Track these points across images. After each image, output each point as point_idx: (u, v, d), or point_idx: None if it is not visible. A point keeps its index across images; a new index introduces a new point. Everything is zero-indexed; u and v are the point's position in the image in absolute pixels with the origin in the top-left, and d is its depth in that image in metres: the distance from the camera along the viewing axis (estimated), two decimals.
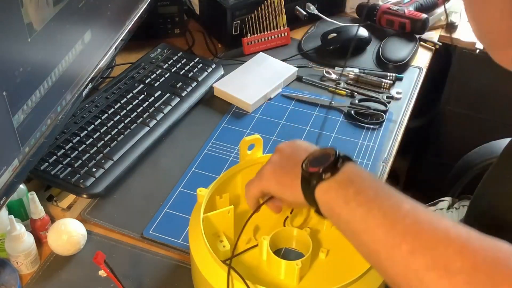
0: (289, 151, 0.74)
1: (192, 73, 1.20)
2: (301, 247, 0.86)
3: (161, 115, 1.09)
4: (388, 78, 1.24)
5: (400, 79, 1.26)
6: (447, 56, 1.49)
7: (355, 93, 1.20)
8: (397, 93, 1.21)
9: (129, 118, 1.08)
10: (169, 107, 1.11)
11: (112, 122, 1.06)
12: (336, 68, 1.27)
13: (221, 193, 0.85)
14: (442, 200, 1.17)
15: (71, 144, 1.01)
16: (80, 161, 0.98)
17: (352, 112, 1.14)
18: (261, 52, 1.29)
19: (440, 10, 1.43)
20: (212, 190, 0.83)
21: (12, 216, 0.83)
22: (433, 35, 1.40)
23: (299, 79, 1.25)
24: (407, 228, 0.56)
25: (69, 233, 0.86)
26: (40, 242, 0.89)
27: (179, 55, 1.25)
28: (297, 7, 1.37)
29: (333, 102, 1.18)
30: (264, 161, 0.88)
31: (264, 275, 0.81)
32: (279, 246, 0.86)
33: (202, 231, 0.76)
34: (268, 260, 0.81)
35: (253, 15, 1.29)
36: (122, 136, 1.04)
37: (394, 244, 0.56)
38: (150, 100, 1.12)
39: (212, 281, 0.73)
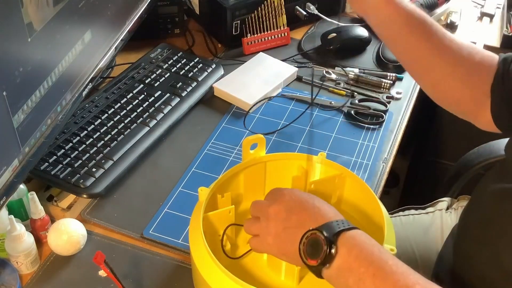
0: (280, 217, 0.73)
1: (192, 73, 1.20)
2: None
3: (161, 115, 1.09)
4: (388, 78, 1.24)
5: (400, 79, 1.26)
6: None
7: (355, 93, 1.20)
8: (397, 93, 1.21)
9: (129, 118, 1.08)
10: (169, 107, 1.11)
11: (112, 122, 1.06)
12: (336, 68, 1.27)
13: (223, 192, 0.85)
14: (441, 201, 1.17)
15: (71, 144, 1.01)
16: (80, 161, 0.98)
17: (352, 112, 1.14)
18: (261, 52, 1.29)
19: (440, 10, 1.43)
20: (213, 189, 0.83)
21: (12, 216, 0.83)
22: None
23: (299, 79, 1.25)
24: None
25: (69, 233, 0.86)
26: (40, 242, 0.89)
27: (179, 55, 1.25)
28: (297, 7, 1.37)
29: (333, 102, 1.17)
30: (266, 160, 0.88)
31: (265, 275, 0.81)
32: None
33: (201, 231, 0.76)
34: (269, 260, 0.81)
35: (253, 15, 1.29)
36: (122, 136, 1.04)
37: None
38: (150, 100, 1.12)
39: (210, 280, 0.73)
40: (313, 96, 1.19)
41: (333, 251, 0.66)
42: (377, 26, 0.89)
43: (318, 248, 0.67)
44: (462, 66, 0.86)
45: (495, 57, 0.87)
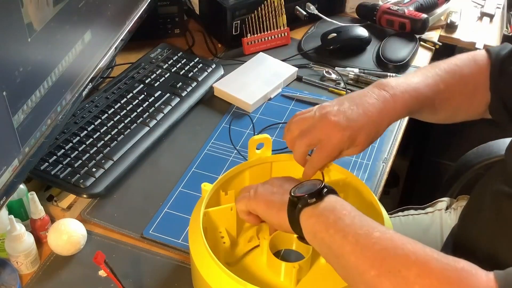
0: (281, 182, 0.79)
1: (192, 73, 1.20)
2: (301, 249, 0.85)
3: (161, 115, 1.09)
4: (388, 78, 1.24)
5: None
6: (447, 56, 1.48)
7: None
8: None
9: (129, 118, 1.08)
10: (169, 107, 1.11)
11: (112, 122, 1.06)
12: (336, 68, 1.27)
13: (227, 189, 0.85)
14: (441, 201, 1.17)
15: (71, 144, 1.01)
16: (80, 161, 0.98)
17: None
18: (261, 52, 1.29)
19: (440, 10, 1.43)
20: (217, 185, 0.83)
21: (12, 216, 0.83)
22: (433, 35, 1.40)
23: (299, 79, 1.25)
24: (375, 254, 0.63)
25: (69, 233, 0.86)
26: (40, 242, 0.89)
27: (179, 55, 1.25)
28: (297, 7, 1.37)
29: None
30: (272, 160, 0.88)
31: (264, 275, 0.81)
32: (279, 248, 0.86)
33: (201, 227, 0.76)
34: (268, 261, 0.81)
35: (253, 15, 1.29)
36: (122, 136, 1.04)
37: (364, 269, 0.63)
38: (150, 100, 1.12)
39: (208, 277, 0.73)
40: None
41: (323, 193, 0.71)
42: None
43: (310, 187, 0.72)
44: (468, 97, 0.89)
45: (484, 59, 0.88)
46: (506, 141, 0.87)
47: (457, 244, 0.94)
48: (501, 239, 0.80)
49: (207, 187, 0.82)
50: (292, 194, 0.72)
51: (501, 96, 0.86)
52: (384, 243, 0.63)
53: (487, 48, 0.91)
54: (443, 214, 1.14)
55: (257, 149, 0.88)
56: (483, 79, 0.87)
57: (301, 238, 0.73)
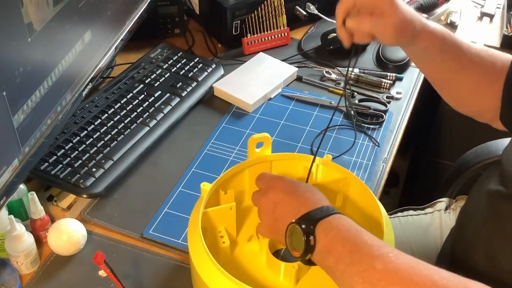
0: (273, 209, 0.76)
1: (192, 73, 1.20)
2: None
3: (161, 115, 1.09)
4: (388, 78, 1.24)
5: (400, 79, 1.26)
6: None
7: (355, 93, 1.20)
8: (397, 93, 1.21)
9: (129, 118, 1.08)
10: (169, 107, 1.11)
11: (112, 122, 1.06)
12: (336, 68, 1.27)
13: (226, 189, 0.85)
14: (440, 201, 1.17)
15: (71, 144, 1.01)
16: (80, 161, 0.98)
17: (352, 112, 1.14)
18: (261, 52, 1.29)
19: (440, 10, 1.43)
20: (216, 185, 0.83)
21: (12, 216, 0.83)
22: None
23: (299, 79, 1.25)
24: None
25: (69, 233, 0.86)
26: (40, 242, 0.89)
27: (179, 55, 1.25)
28: (297, 7, 1.37)
29: (332, 102, 1.18)
30: (272, 159, 0.88)
31: (264, 275, 0.81)
32: (279, 247, 0.86)
33: (199, 227, 0.76)
34: (267, 261, 0.81)
35: (253, 15, 1.29)
36: (122, 136, 1.04)
37: None
38: (150, 100, 1.12)
39: (206, 278, 0.72)
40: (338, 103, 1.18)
41: (311, 241, 0.69)
42: (412, 55, 0.93)
43: (299, 240, 0.70)
44: (486, 78, 0.88)
45: (507, 62, 0.88)
46: (504, 141, 0.87)
47: (455, 245, 0.94)
48: (497, 240, 0.80)
49: (206, 187, 0.82)
50: (291, 252, 0.72)
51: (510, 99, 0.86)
52: (388, 276, 0.62)
53: None
54: (442, 215, 1.14)
55: (256, 148, 0.88)
56: (503, 74, 0.87)
57: None
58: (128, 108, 1.10)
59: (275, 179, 0.78)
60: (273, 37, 1.33)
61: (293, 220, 0.71)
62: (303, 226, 0.69)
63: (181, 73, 1.20)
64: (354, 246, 0.66)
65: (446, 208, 1.16)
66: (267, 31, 1.32)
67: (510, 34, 1.37)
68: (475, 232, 0.86)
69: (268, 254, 0.80)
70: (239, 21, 1.29)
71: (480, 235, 0.85)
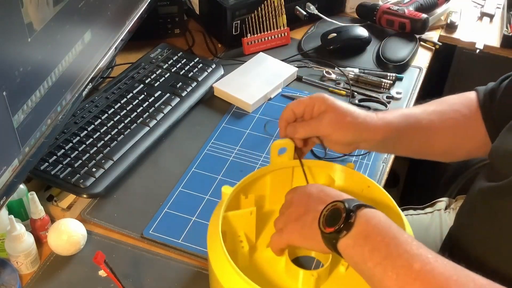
0: (302, 202, 0.76)
1: (192, 73, 1.20)
2: (320, 256, 0.83)
3: (161, 115, 1.09)
4: (388, 78, 1.24)
5: (400, 79, 1.26)
6: (447, 56, 1.49)
7: (355, 93, 1.20)
8: (397, 93, 1.21)
9: (129, 118, 1.08)
10: (169, 107, 1.11)
11: (112, 122, 1.06)
12: (336, 68, 1.27)
13: (247, 193, 0.83)
14: (440, 201, 1.17)
15: (71, 144, 1.01)
16: (80, 161, 0.98)
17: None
18: (261, 52, 1.29)
19: (440, 10, 1.44)
20: (237, 189, 0.81)
21: (12, 216, 0.83)
22: (433, 35, 1.40)
23: (299, 79, 1.25)
24: None
25: (69, 233, 0.86)
26: (40, 242, 0.89)
27: (179, 55, 1.25)
28: (297, 7, 1.37)
29: None
30: (295, 165, 0.86)
31: (282, 282, 0.79)
32: (298, 254, 0.84)
33: (219, 230, 0.74)
34: (286, 268, 0.79)
35: (253, 15, 1.29)
36: (122, 136, 1.04)
37: None
38: (150, 100, 1.12)
39: (225, 282, 0.71)
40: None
41: (351, 220, 0.67)
42: (374, 149, 0.97)
43: (338, 217, 0.68)
44: (460, 126, 0.89)
45: (472, 98, 0.90)
46: None
47: (454, 245, 0.94)
48: (493, 238, 0.80)
49: (227, 190, 0.79)
50: (322, 228, 0.70)
51: (497, 125, 0.86)
52: (425, 278, 0.61)
53: (475, 88, 0.92)
54: (442, 214, 1.14)
55: (279, 153, 0.86)
56: (474, 110, 0.89)
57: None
58: (128, 108, 1.10)
59: (299, 188, 0.79)
60: (273, 37, 1.33)
61: (334, 200, 0.71)
62: (346, 205, 0.69)
63: (181, 73, 1.20)
64: (393, 240, 0.65)
65: (446, 208, 1.16)
66: (267, 31, 1.32)
67: (510, 34, 1.37)
68: (472, 232, 0.86)
69: (287, 260, 0.78)
70: (239, 21, 1.29)
71: (476, 234, 0.84)
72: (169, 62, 1.22)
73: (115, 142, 1.02)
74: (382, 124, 0.83)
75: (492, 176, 0.82)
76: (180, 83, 1.16)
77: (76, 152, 1.00)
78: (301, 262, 0.83)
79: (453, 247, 0.94)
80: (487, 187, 0.83)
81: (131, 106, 1.10)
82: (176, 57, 1.24)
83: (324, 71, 1.26)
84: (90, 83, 1.00)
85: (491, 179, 0.82)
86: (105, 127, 1.05)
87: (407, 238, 0.66)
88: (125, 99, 1.11)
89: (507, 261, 0.77)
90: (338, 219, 0.68)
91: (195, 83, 1.17)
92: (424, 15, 1.34)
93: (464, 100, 0.90)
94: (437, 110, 0.88)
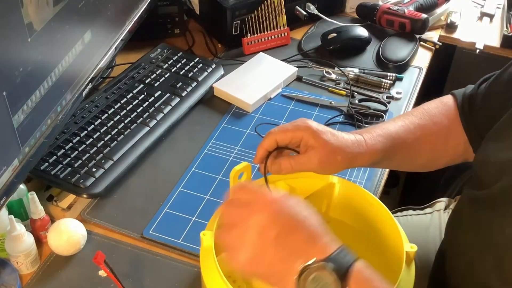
0: (276, 235, 0.62)
1: (192, 73, 1.20)
2: None
3: (161, 115, 1.09)
4: (388, 78, 1.24)
5: (400, 79, 1.26)
6: (447, 56, 1.49)
7: (355, 93, 1.20)
8: (397, 93, 1.21)
9: (129, 118, 1.08)
10: (169, 107, 1.11)
11: (112, 122, 1.06)
12: (336, 68, 1.27)
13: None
14: (439, 201, 1.17)
15: (71, 144, 1.01)
16: (80, 161, 0.98)
17: (352, 112, 1.14)
18: (261, 52, 1.29)
19: (440, 10, 1.43)
20: (215, 229, 0.73)
21: (12, 216, 0.83)
22: (433, 35, 1.40)
23: (299, 79, 1.25)
24: None
25: (69, 233, 0.86)
26: (40, 242, 0.89)
27: (179, 55, 1.25)
28: (297, 7, 1.37)
29: (333, 102, 1.17)
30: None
31: None
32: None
33: (224, 278, 0.67)
34: None
35: (253, 15, 1.29)
36: (122, 136, 1.04)
37: None
38: (150, 100, 1.12)
39: None
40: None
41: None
42: (363, 166, 0.93)
43: (322, 282, 0.58)
44: (441, 136, 0.89)
45: (450, 106, 0.90)
46: None
47: (447, 249, 0.94)
48: (478, 247, 0.79)
49: (207, 236, 0.72)
50: None
51: (478, 132, 0.86)
52: None
53: (452, 92, 0.92)
54: (441, 215, 1.14)
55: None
56: (453, 119, 0.88)
57: None
58: (128, 108, 1.10)
59: (265, 194, 0.66)
60: (273, 37, 1.33)
61: (319, 258, 0.59)
62: (334, 273, 0.58)
63: (181, 73, 1.20)
64: None
65: (445, 208, 1.16)
66: (267, 31, 1.32)
67: (510, 34, 1.37)
68: (459, 240, 0.86)
69: None
70: (239, 21, 1.29)
71: (462, 243, 0.84)
72: (169, 62, 1.22)
73: (115, 142, 1.02)
74: (370, 152, 0.81)
75: (476, 183, 0.82)
76: (180, 83, 1.16)
77: (76, 152, 1.00)
78: None
79: (445, 251, 0.93)
80: (472, 195, 0.82)
81: (131, 106, 1.10)
82: (176, 57, 1.24)
83: (324, 71, 1.26)
84: (90, 83, 1.00)
85: (476, 186, 0.82)
86: (105, 127, 1.05)
87: None
88: (125, 99, 1.11)
89: (492, 272, 0.76)
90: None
91: (195, 83, 1.17)
92: (424, 15, 1.34)
93: (443, 109, 0.89)
94: (420, 125, 0.87)
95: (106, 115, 1.08)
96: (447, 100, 0.91)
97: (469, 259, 0.80)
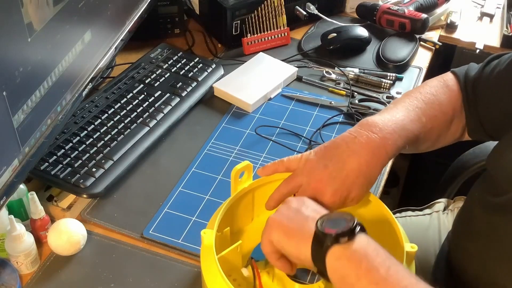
0: (298, 204, 0.71)
1: (192, 73, 1.20)
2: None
3: (161, 115, 1.09)
4: (388, 78, 1.24)
5: (400, 79, 1.26)
6: (447, 56, 1.49)
7: (355, 93, 1.20)
8: (397, 93, 1.21)
9: (129, 118, 1.08)
10: (169, 107, 1.11)
11: (112, 122, 1.06)
12: (336, 68, 1.27)
13: (221, 229, 0.79)
14: (438, 202, 1.17)
15: (71, 144, 1.01)
16: (80, 161, 0.98)
17: (352, 112, 1.14)
18: (261, 52, 1.29)
19: (440, 10, 1.43)
20: (215, 228, 0.76)
21: (12, 216, 0.83)
22: (433, 35, 1.40)
23: (299, 79, 1.25)
24: None
25: (69, 233, 0.86)
26: (40, 242, 0.89)
27: (179, 55, 1.25)
28: (297, 7, 1.37)
29: (332, 102, 1.17)
30: (252, 187, 0.83)
31: None
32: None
33: (224, 277, 0.69)
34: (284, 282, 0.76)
35: (253, 15, 1.29)
36: (122, 136, 1.04)
37: None
38: (150, 100, 1.12)
39: None
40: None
41: (356, 231, 0.62)
42: None
43: (340, 222, 0.63)
44: (442, 131, 0.89)
45: (454, 90, 0.89)
46: None
47: (451, 251, 0.93)
48: (489, 252, 0.79)
49: (207, 234, 0.74)
50: (319, 228, 0.64)
51: (479, 119, 0.86)
52: None
53: (452, 70, 0.90)
54: (440, 216, 1.14)
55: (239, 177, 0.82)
56: (458, 105, 0.88)
57: (321, 273, 0.65)
58: (128, 108, 1.10)
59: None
60: (273, 37, 1.33)
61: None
62: (344, 215, 0.64)
63: (181, 73, 1.20)
64: (393, 266, 0.62)
65: (444, 209, 1.15)
66: (267, 31, 1.32)
67: (510, 34, 1.37)
68: (468, 244, 0.85)
69: (283, 275, 0.75)
70: (239, 21, 1.29)
71: (473, 247, 0.83)
72: (169, 62, 1.22)
73: (115, 142, 1.02)
74: (391, 150, 0.79)
75: (492, 188, 0.81)
76: (180, 83, 1.16)
77: (76, 152, 1.00)
78: (295, 275, 0.77)
79: (450, 253, 0.93)
80: (486, 200, 0.81)
81: (131, 106, 1.10)
82: (176, 57, 1.24)
83: (324, 71, 1.26)
84: (90, 83, 1.00)
85: (491, 190, 0.81)
86: (105, 127, 1.05)
87: (407, 270, 0.63)
88: (125, 99, 1.11)
89: (504, 277, 0.76)
90: (341, 223, 0.63)
91: (195, 83, 1.17)
92: (424, 15, 1.34)
93: (450, 96, 0.88)
94: (431, 116, 0.85)
95: (106, 115, 1.08)
96: (452, 83, 0.89)
97: (482, 263, 0.80)
